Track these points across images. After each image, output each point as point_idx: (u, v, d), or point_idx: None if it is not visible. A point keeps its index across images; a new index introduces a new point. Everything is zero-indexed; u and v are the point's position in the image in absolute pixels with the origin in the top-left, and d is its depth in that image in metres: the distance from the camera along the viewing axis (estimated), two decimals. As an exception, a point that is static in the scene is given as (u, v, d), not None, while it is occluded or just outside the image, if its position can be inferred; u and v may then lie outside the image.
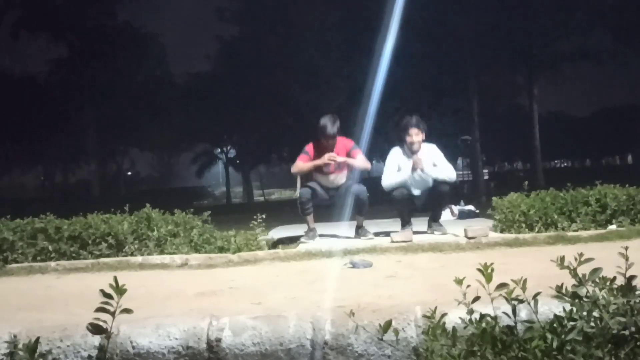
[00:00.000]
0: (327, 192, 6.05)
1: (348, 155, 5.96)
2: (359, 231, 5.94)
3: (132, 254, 5.20)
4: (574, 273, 1.81)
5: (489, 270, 1.94)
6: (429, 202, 6.01)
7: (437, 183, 5.90)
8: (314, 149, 6.01)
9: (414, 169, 5.83)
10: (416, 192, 5.97)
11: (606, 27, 21.29)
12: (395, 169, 5.96)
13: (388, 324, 1.89)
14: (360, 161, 5.97)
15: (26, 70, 29.11)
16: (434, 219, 6.06)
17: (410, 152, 5.95)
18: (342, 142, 6.01)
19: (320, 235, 6.04)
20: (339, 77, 20.96)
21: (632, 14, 19.55)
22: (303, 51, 21.01)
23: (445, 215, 8.17)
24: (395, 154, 6.05)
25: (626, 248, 1.88)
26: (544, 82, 24.05)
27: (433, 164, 5.92)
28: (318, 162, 5.87)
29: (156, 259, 4.94)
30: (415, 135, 5.93)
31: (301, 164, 5.99)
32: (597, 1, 20.04)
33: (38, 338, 1.71)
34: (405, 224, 6.00)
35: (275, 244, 6.08)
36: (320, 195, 5.99)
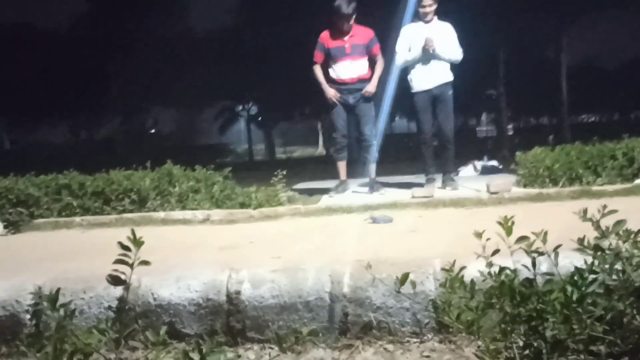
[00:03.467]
0: (348, 97, 5.93)
1: (368, 47, 5.87)
2: (373, 185, 5.93)
3: (154, 210, 5.26)
4: (596, 225, 1.76)
5: (510, 223, 1.90)
6: (440, 155, 6.01)
7: (441, 137, 5.88)
8: (330, 36, 5.90)
9: (425, 49, 5.82)
10: (428, 82, 5.93)
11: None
12: (407, 47, 5.96)
13: (405, 276, 1.88)
14: (379, 69, 5.93)
15: (49, 25, 29.15)
16: (447, 171, 6.03)
17: (424, 22, 5.92)
18: (362, 30, 5.90)
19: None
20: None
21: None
22: (327, 1, 20.58)
23: (468, 171, 8.12)
24: (406, 31, 6.03)
25: (653, 200, 1.82)
26: (573, 32, 23.24)
27: (444, 42, 5.91)
28: (326, 91, 5.86)
29: (178, 214, 4.99)
30: (429, 5, 5.88)
31: (318, 69, 5.93)
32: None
33: (59, 289, 1.74)
34: (429, 174, 5.99)
35: (296, 200, 6.10)
36: (344, 106, 5.93)
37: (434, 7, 5.88)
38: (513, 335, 1.76)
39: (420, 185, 5.88)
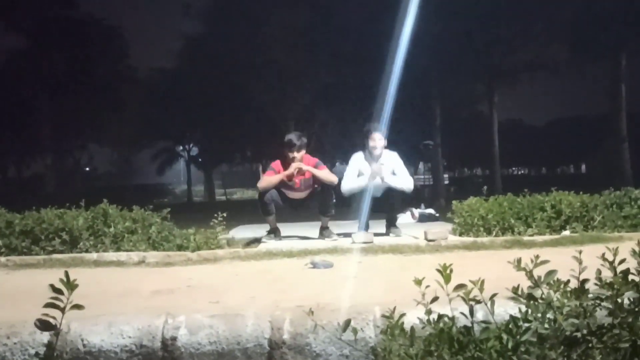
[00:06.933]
0: (290, 203, 6.05)
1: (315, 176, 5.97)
2: (324, 232, 5.94)
3: (86, 251, 5.06)
4: (529, 275, 1.84)
5: (448, 271, 1.95)
6: (384, 207, 6.10)
7: (390, 190, 5.97)
8: (280, 165, 6.01)
9: (373, 177, 5.90)
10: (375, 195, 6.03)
11: (564, 39, 22.12)
12: (356, 174, 6.03)
13: (347, 323, 1.88)
14: (325, 173, 5.98)
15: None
16: (391, 223, 6.16)
17: (372, 157, 6.02)
18: (307, 159, 6.04)
19: (283, 236, 6.01)
20: (304, 78, 20.95)
21: (588, 27, 20.22)
22: (269, 51, 20.92)
23: (406, 218, 8.28)
24: (357, 159, 6.14)
25: (580, 252, 1.92)
26: (504, 90, 24.59)
27: (392, 171, 6.01)
28: (286, 172, 5.88)
29: (112, 256, 4.82)
30: (378, 140, 6.04)
31: (268, 178, 5.96)
32: (556, 14, 20.72)
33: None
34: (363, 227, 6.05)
35: (235, 243, 6.02)
36: (283, 202, 5.97)
37: (383, 141, 6.07)
38: (451, 383, 1.78)
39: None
